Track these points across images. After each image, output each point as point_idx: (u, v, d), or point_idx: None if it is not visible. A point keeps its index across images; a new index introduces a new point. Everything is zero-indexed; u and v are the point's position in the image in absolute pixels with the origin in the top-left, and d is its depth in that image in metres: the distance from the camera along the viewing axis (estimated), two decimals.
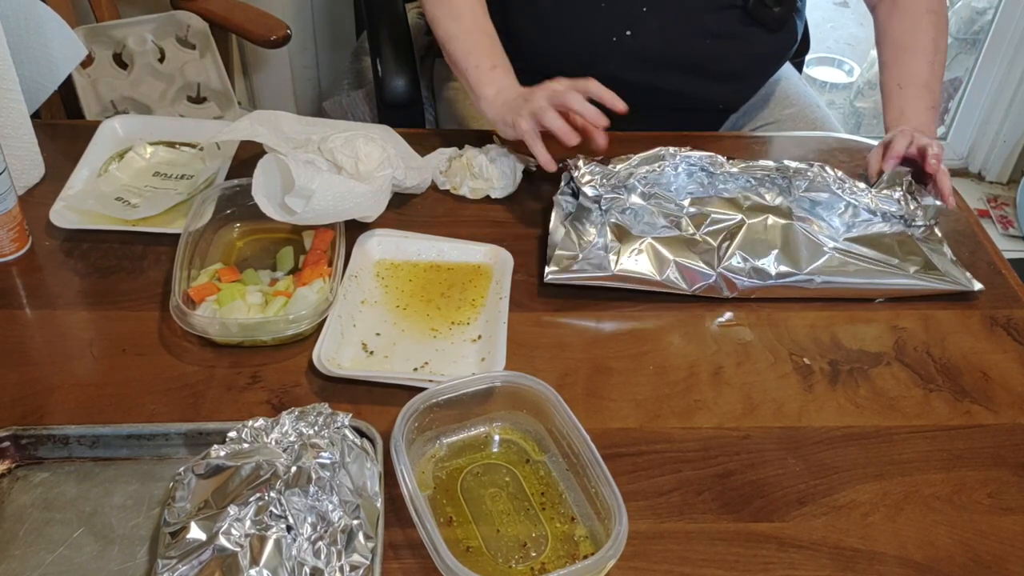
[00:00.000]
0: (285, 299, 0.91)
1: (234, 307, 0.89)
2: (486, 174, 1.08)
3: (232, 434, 0.72)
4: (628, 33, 1.20)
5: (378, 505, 0.71)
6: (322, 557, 0.65)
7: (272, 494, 0.66)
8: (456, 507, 0.75)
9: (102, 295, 0.94)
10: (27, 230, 0.99)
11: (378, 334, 0.91)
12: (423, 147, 1.14)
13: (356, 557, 0.67)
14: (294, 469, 0.68)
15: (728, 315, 0.96)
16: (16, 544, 0.72)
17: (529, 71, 1.13)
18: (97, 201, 1.04)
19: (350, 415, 0.74)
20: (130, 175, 1.09)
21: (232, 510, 0.65)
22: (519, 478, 0.78)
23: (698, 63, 1.23)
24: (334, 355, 0.86)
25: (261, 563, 0.63)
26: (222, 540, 0.64)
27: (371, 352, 0.89)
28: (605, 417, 0.84)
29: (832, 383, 0.89)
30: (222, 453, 0.70)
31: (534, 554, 0.72)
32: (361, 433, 0.76)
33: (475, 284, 0.97)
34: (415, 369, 0.87)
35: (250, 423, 0.72)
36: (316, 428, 0.72)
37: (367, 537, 0.68)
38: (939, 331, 0.96)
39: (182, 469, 0.71)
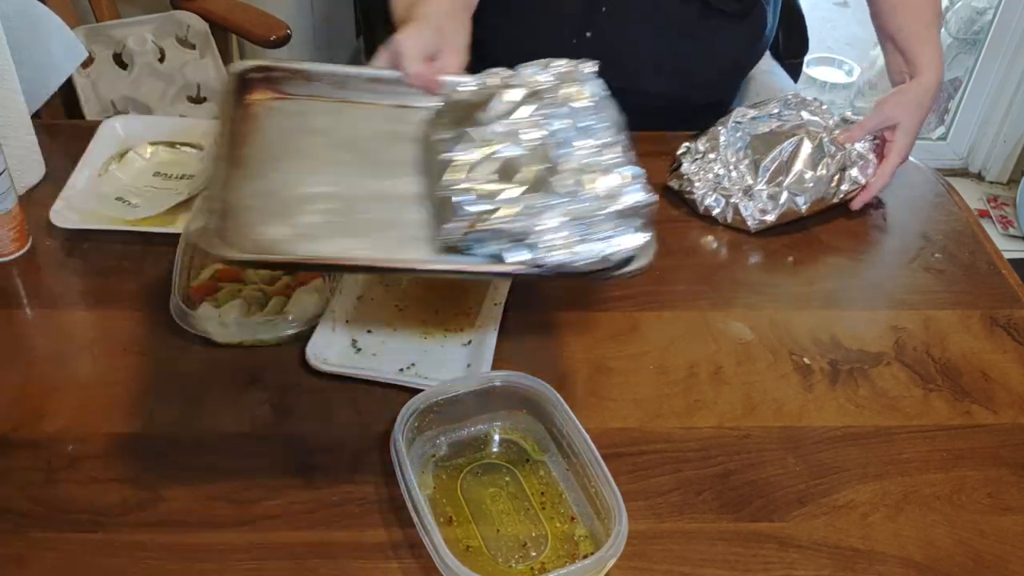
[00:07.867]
0: (285, 299, 0.91)
1: (234, 307, 0.89)
2: None
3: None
4: (588, 35, 1.18)
5: None
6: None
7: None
8: (456, 507, 0.75)
9: (102, 295, 0.94)
10: (27, 230, 0.99)
11: (369, 331, 0.91)
12: None
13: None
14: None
15: (728, 314, 0.96)
16: (282, 160, 0.78)
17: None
18: (97, 201, 1.04)
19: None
20: (130, 175, 1.09)
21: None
22: (519, 478, 0.78)
23: (663, 61, 1.21)
24: (322, 350, 0.86)
25: None
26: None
27: (359, 349, 0.89)
28: (605, 417, 0.84)
29: (832, 383, 0.89)
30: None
31: (534, 554, 0.72)
32: None
33: (476, 289, 0.96)
34: (401, 370, 0.87)
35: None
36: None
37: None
38: (939, 331, 0.96)
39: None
